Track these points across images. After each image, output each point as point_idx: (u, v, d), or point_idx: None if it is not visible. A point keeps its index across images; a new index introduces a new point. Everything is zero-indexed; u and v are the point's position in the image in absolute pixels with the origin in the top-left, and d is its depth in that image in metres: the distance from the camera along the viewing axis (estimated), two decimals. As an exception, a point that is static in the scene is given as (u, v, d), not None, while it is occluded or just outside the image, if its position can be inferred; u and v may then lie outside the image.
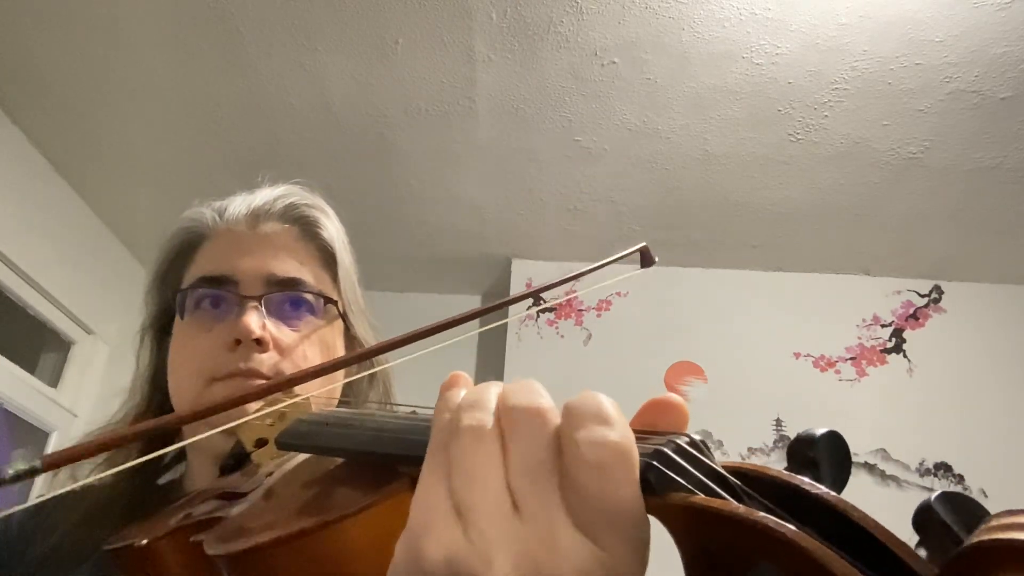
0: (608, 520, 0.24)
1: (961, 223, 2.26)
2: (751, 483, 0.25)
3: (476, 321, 0.48)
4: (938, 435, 2.29)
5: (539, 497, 0.25)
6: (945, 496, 0.21)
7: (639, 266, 0.52)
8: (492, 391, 0.29)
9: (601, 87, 1.89)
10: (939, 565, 0.20)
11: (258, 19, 1.72)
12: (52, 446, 2.25)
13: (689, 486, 0.25)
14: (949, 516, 0.21)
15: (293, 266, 0.67)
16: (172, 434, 0.72)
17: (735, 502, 0.24)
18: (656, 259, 0.52)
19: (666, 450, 0.26)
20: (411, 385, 0.71)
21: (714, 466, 0.26)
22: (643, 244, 0.53)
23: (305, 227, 0.71)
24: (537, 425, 0.27)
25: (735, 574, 0.23)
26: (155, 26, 1.75)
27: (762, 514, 0.22)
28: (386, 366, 0.71)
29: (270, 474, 0.49)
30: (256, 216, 0.70)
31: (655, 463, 0.25)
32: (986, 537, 0.18)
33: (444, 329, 0.45)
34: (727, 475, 0.26)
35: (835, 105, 1.89)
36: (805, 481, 0.24)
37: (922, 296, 2.52)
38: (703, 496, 0.24)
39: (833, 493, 0.24)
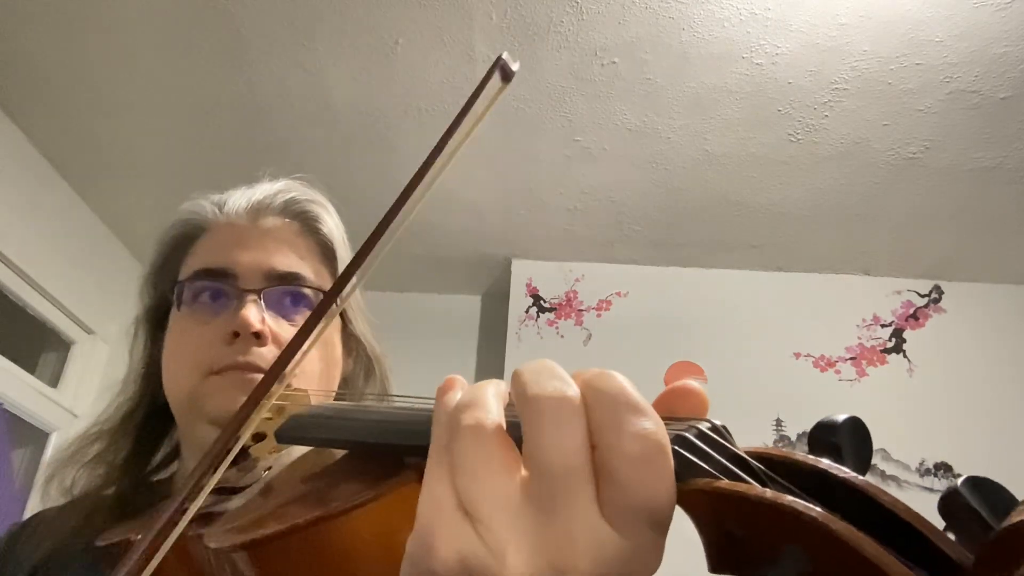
0: (644, 511, 0.24)
1: (961, 223, 2.26)
2: (775, 468, 0.25)
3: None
4: (938, 435, 2.29)
5: (565, 489, 0.24)
6: (971, 481, 0.21)
7: (500, 81, 0.46)
8: (490, 389, 0.29)
9: (601, 87, 1.89)
10: (975, 549, 0.19)
11: (258, 19, 1.72)
12: (52, 446, 2.25)
13: (713, 471, 0.25)
14: (976, 501, 0.20)
15: (293, 260, 0.67)
16: (167, 431, 0.72)
17: (760, 486, 0.23)
18: (515, 68, 0.44)
19: (688, 435, 0.26)
20: (409, 380, 0.71)
21: (737, 451, 0.26)
22: (501, 53, 0.46)
23: (305, 222, 0.71)
24: (566, 416, 0.25)
25: (761, 559, 0.23)
26: (155, 26, 1.75)
27: (790, 497, 0.21)
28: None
29: (268, 468, 0.49)
30: (256, 210, 0.70)
31: (678, 448, 0.25)
32: None
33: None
34: (750, 460, 0.25)
35: (835, 105, 1.89)
36: (831, 465, 0.24)
37: (922, 296, 2.52)
38: (727, 481, 0.24)
39: (860, 477, 0.23)
